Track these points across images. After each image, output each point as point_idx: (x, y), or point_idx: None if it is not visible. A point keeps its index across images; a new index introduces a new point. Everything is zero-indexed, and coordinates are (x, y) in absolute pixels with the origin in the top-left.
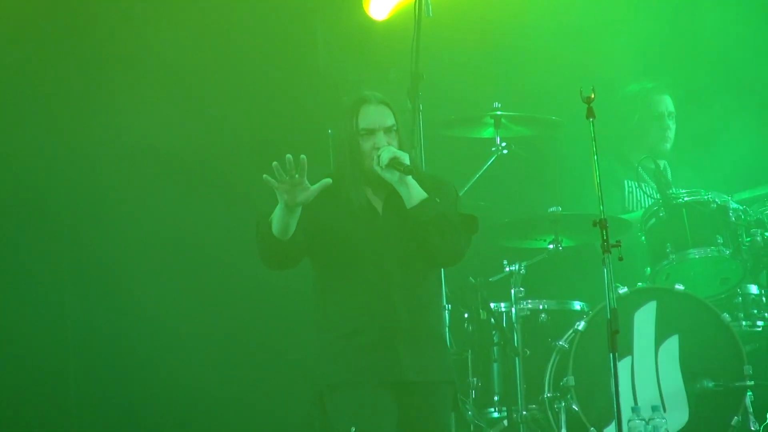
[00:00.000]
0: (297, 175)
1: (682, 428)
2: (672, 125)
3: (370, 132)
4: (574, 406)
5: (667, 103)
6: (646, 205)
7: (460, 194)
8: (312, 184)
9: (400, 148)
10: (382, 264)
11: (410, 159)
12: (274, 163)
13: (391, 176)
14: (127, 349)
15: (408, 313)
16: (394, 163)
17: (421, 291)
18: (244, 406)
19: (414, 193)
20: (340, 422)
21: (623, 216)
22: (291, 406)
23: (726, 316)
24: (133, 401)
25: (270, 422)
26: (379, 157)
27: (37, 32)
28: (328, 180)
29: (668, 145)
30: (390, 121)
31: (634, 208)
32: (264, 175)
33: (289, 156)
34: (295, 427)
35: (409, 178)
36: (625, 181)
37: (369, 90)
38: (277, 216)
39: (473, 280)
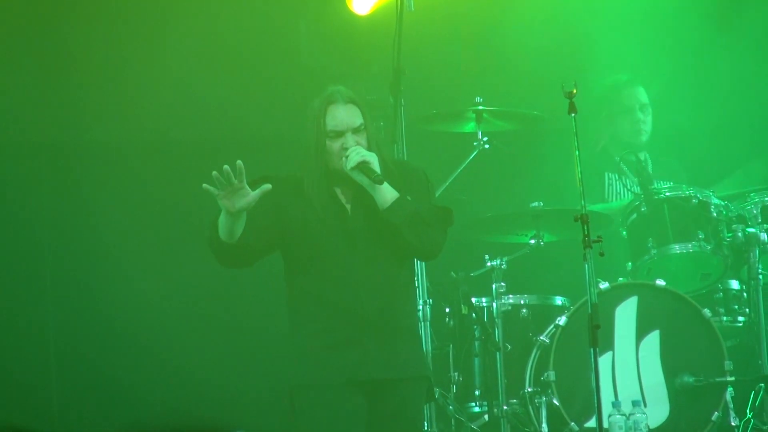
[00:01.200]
0: (236, 182)
1: (663, 423)
2: (644, 117)
3: (339, 134)
4: (554, 401)
5: (639, 96)
6: (625, 198)
7: (442, 189)
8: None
9: (369, 147)
10: (350, 262)
11: (379, 159)
12: (214, 172)
13: (361, 179)
14: (109, 344)
15: (376, 311)
16: (362, 168)
17: (391, 288)
18: (227, 398)
19: (384, 195)
20: (309, 422)
21: (602, 206)
22: (277, 399)
23: (707, 311)
24: (113, 395)
25: (254, 415)
26: (347, 158)
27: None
28: (268, 186)
29: (643, 138)
30: (358, 120)
31: (613, 200)
32: (204, 185)
33: (226, 166)
34: (282, 417)
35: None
36: (605, 173)
37: (336, 86)
38: (221, 222)
39: (454, 275)
